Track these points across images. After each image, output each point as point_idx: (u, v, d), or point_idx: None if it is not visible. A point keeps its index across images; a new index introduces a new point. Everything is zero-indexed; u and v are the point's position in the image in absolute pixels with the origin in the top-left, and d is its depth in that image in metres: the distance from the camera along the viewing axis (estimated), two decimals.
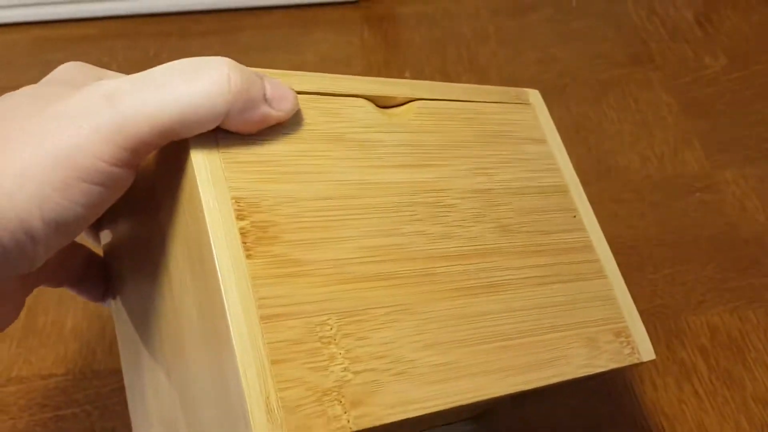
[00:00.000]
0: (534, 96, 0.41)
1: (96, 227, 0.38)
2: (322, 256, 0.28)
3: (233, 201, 0.27)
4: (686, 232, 0.59)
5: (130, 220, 0.35)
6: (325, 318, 0.27)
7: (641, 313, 0.53)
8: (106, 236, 0.38)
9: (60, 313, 0.56)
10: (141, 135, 0.25)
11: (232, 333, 0.25)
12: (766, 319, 0.53)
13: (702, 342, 0.52)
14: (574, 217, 0.38)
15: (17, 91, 0.28)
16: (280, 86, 0.29)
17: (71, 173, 0.25)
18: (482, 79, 0.75)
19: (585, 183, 0.62)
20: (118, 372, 0.52)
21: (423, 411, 0.27)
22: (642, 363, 0.36)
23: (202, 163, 0.27)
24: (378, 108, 0.34)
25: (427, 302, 0.30)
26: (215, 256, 0.26)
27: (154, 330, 0.33)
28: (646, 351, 0.36)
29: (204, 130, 0.27)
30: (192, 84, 0.26)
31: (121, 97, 0.25)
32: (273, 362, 0.25)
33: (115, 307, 0.39)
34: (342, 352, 0.27)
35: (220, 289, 0.25)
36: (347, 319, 0.28)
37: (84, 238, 0.39)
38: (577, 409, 0.49)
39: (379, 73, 0.76)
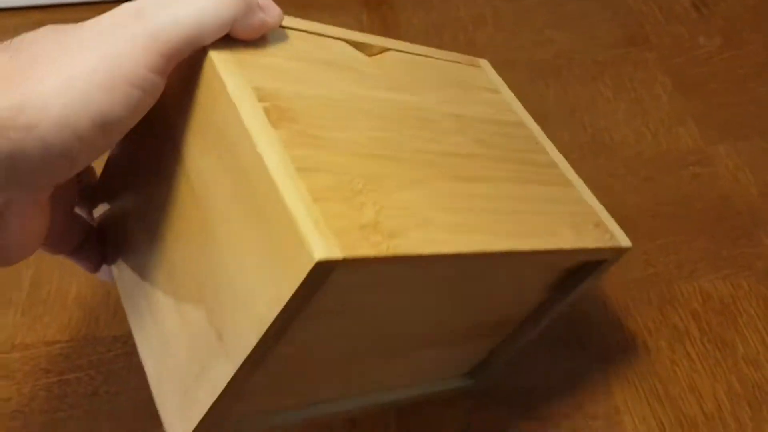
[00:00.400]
0: (484, 63, 0.48)
1: (89, 204, 0.40)
2: (337, 136, 0.32)
3: (253, 90, 0.30)
4: (679, 205, 0.60)
5: (132, 166, 0.36)
6: (351, 177, 0.30)
7: (635, 281, 0.54)
8: (100, 210, 0.40)
9: (64, 282, 0.57)
10: (173, 43, 0.28)
11: (275, 180, 0.28)
12: (758, 286, 0.54)
13: (694, 307, 0.53)
14: (537, 143, 0.43)
15: (37, 30, 0.30)
16: (269, 0, 0.33)
17: (116, 76, 0.27)
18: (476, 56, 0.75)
19: (581, 159, 0.63)
20: (121, 338, 0.53)
21: (449, 249, 0.30)
22: (622, 251, 0.40)
23: (220, 61, 0.31)
24: (359, 51, 0.38)
25: (432, 180, 0.33)
26: (246, 126, 0.29)
27: (164, 247, 0.35)
28: (623, 240, 0.40)
29: (219, 35, 0.30)
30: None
31: (149, 13, 0.28)
32: (315, 200, 0.28)
33: (116, 271, 0.40)
34: (371, 202, 0.30)
35: (256, 150, 0.28)
36: (370, 181, 0.31)
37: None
38: (570, 372, 0.50)
39: None
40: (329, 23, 0.80)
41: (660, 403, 0.48)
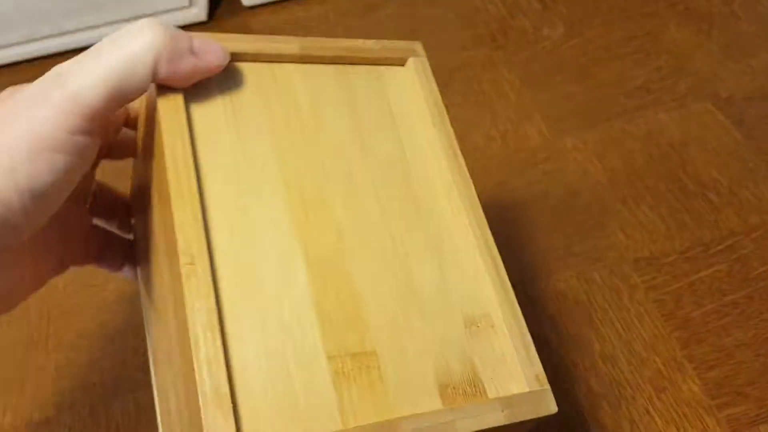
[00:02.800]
0: (417, 53, 0.40)
1: (107, 216, 0.42)
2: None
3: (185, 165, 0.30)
4: (530, 207, 0.60)
5: (142, 198, 0.37)
6: None
7: None
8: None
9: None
10: (92, 102, 0.28)
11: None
12: (610, 277, 0.55)
13: (550, 312, 0.53)
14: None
15: None
16: (208, 42, 0.31)
17: (37, 144, 0.28)
18: None
19: None
20: None
21: None
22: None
23: (163, 108, 0.30)
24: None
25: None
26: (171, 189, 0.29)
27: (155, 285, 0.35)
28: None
29: (145, 86, 0.30)
30: (122, 46, 0.29)
31: (68, 73, 0.28)
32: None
33: (140, 278, 0.41)
34: None
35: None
36: None
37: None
38: None
39: None
40: None
41: None
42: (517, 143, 0.65)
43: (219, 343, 0.28)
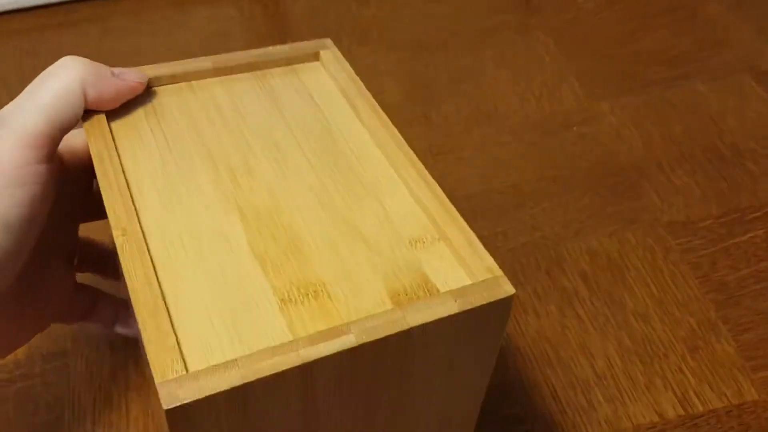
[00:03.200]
0: (328, 47, 0.42)
1: (97, 269, 0.45)
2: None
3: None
4: (564, 166, 0.59)
5: None
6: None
7: (522, 246, 0.53)
8: None
9: None
10: (35, 131, 0.32)
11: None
12: (645, 239, 0.54)
13: (582, 267, 0.52)
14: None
15: None
16: (126, 68, 0.36)
17: None
18: (364, 40, 0.74)
19: (466, 131, 0.62)
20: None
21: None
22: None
23: (90, 134, 0.34)
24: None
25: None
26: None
27: None
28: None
29: (78, 109, 0.33)
30: (52, 82, 0.33)
31: (8, 114, 0.32)
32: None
33: None
34: None
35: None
36: None
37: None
38: None
39: (259, 46, 0.75)
40: (209, 16, 0.78)
41: (552, 369, 0.47)
42: (552, 106, 0.64)
43: (158, 293, 0.29)
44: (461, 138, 0.62)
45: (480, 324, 0.30)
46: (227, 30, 0.76)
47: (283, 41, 0.75)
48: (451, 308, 0.29)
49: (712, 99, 0.64)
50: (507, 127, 0.63)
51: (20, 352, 0.49)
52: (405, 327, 0.28)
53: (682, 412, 0.44)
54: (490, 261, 0.30)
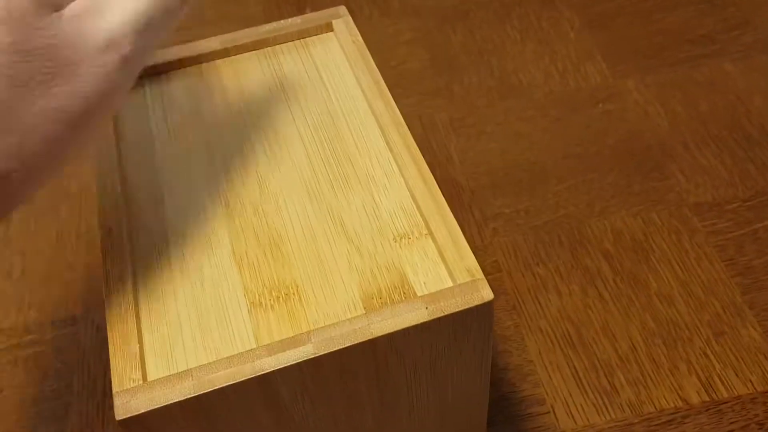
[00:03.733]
0: (342, 15, 0.41)
1: None
2: None
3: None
4: (589, 143, 0.58)
5: None
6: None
7: (545, 224, 0.52)
8: None
9: None
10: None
11: None
12: (670, 219, 0.53)
13: (606, 247, 0.51)
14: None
15: None
16: None
17: None
18: (384, 8, 0.73)
19: (489, 104, 0.61)
20: (6, 330, 0.49)
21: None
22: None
23: None
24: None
25: None
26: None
27: None
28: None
29: None
30: None
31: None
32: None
33: None
34: None
35: None
36: None
37: None
38: None
39: (279, 9, 0.73)
40: None
41: (573, 350, 0.46)
42: (577, 81, 0.63)
43: (130, 298, 0.28)
44: (484, 111, 0.61)
45: (457, 330, 0.28)
46: None
47: (302, 8, 0.73)
48: (420, 316, 0.27)
49: (739, 79, 0.62)
50: (531, 101, 0.62)
51: (30, 319, 0.49)
52: (369, 336, 0.27)
53: (706, 397, 0.44)
54: (472, 261, 0.29)
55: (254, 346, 0.27)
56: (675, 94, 0.62)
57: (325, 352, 0.26)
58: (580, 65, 0.65)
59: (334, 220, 0.31)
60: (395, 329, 0.27)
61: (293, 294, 0.29)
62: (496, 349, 0.47)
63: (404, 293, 0.28)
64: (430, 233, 0.30)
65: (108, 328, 0.28)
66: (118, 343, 0.27)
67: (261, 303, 0.29)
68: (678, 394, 0.44)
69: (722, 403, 0.43)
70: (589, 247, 0.51)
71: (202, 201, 0.32)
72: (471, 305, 0.28)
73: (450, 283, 0.28)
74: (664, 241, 0.51)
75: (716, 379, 0.45)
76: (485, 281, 0.28)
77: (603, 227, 0.52)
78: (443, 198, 0.31)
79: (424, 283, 0.29)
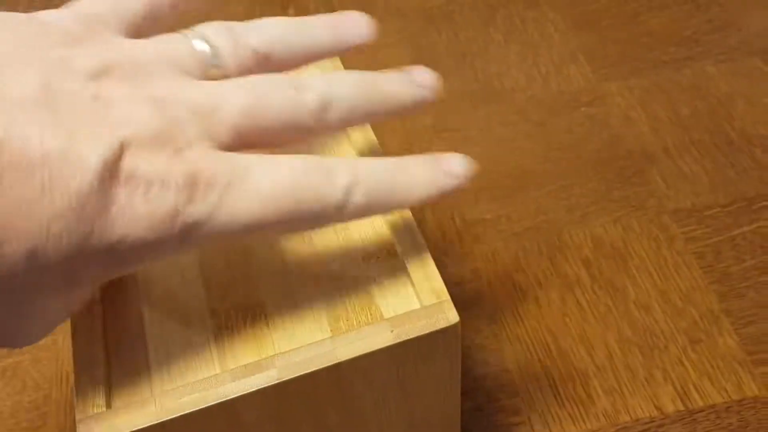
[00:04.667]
0: None
1: None
2: None
3: None
4: (570, 148, 0.58)
5: None
6: None
7: (525, 231, 0.52)
8: None
9: None
10: None
11: None
12: (649, 226, 0.53)
13: (585, 254, 0.52)
14: None
15: None
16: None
17: None
18: (368, 8, 0.72)
19: (472, 108, 0.61)
20: None
21: None
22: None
23: None
24: None
25: None
26: None
27: None
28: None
29: None
30: None
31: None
32: None
33: None
34: None
35: None
36: None
37: None
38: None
39: (261, 11, 0.73)
40: None
41: (551, 359, 0.46)
42: (559, 85, 0.63)
43: (99, 322, 0.28)
44: (467, 116, 0.61)
45: (424, 352, 0.28)
46: None
47: (285, 8, 0.73)
48: (386, 339, 0.27)
49: (721, 82, 0.62)
50: (513, 105, 0.62)
51: None
52: (333, 361, 0.27)
53: (681, 406, 0.44)
54: (439, 283, 0.29)
55: (219, 370, 0.27)
56: (658, 98, 0.62)
57: (290, 377, 0.27)
58: (563, 68, 0.65)
59: (304, 238, 0.32)
60: (360, 353, 0.27)
61: (260, 316, 0.29)
62: (474, 359, 0.47)
63: (371, 315, 0.29)
64: (399, 253, 0.31)
65: (73, 351, 0.28)
66: (85, 369, 0.27)
67: (228, 326, 0.29)
68: (653, 403, 0.44)
69: (697, 412, 0.44)
70: (568, 254, 0.52)
71: None
72: (436, 328, 0.28)
73: (417, 305, 0.29)
74: (642, 249, 0.52)
75: (691, 387, 0.45)
76: (451, 303, 0.28)
77: (583, 234, 0.53)
78: (412, 217, 0.31)
79: (391, 305, 0.29)
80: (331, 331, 0.29)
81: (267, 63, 0.29)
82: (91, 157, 0.21)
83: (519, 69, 0.65)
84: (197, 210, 0.23)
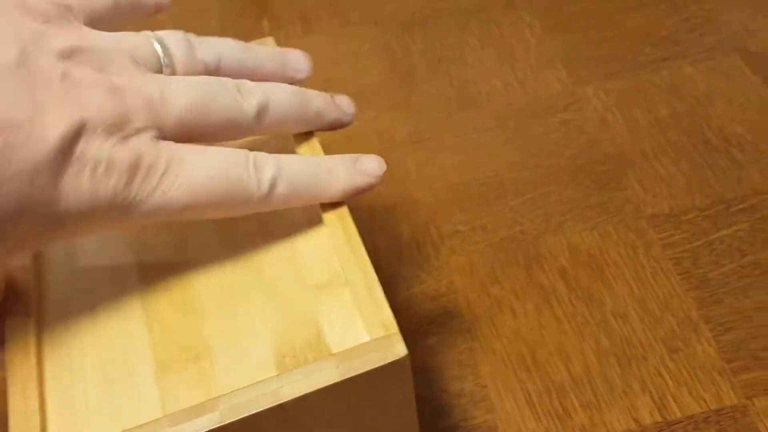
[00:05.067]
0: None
1: None
2: None
3: None
4: (547, 155, 0.58)
5: None
6: None
7: (502, 241, 0.52)
8: None
9: None
10: None
11: None
12: (626, 233, 0.52)
13: (562, 263, 0.51)
14: None
15: None
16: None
17: None
18: (344, 18, 0.72)
19: (447, 116, 0.60)
20: None
21: None
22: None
23: None
24: None
25: None
26: None
27: None
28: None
29: None
30: None
31: None
32: None
33: None
34: None
35: None
36: None
37: None
38: (433, 349, 0.48)
39: (235, 24, 0.73)
40: None
41: (527, 372, 0.46)
42: (536, 90, 0.63)
43: (34, 363, 0.27)
44: (443, 124, 0.61)
45: (373, 387, 0.28)
46: (204, 6, 0.74)
47: (259, 19, 0.73)
48: (330, 376, 0.27)
49: (699, 81, 0.62)
50: (490, 112, 0.61)
51: None
52: (278, 401, 0.26)
53: (659, 418, 0.44)
54: (387, 315, 0.28)
55: (160, 413, 0.27)
56: (635, 100, 0.61)
57: (233, 419, 0.26)
58: (540, 73, 0.64)
59: (251, 270, 0.31)
60: (306, 392, 0.27)
61: (204, 355, 0.29)
62: (450, 375, 0.47)
63: (319, 350, 0.28)
64: (348, 284, 0.30)
65: (8, 388, 0.27)
66: (18, 404, 0.27)
67: (170, 367, 0.28)
68: (631, 414, 0.44)
69: (675, 424, 0.43)
70: (545, 264, 0.51)
71: (113, 253, 0.32)
72: (384, 362, 0.27)
73: (366, 338, 0.28)
74: (620, 256, 0.51)
75: (669, 398, 0.44)
76: (399, 336, 0.28)
77: (559, 243, 0.52)
78: (363, 246, 0.31)
79: (339, 339, 0.29)
80: (277, 368, 0.28)
81: (215, 74, 0.32)
82: (53, 132, 0.24)
83: (495, 74, 0.65)
84: (135, 192, 0.26)
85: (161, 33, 0.31)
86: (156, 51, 0.30)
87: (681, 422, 0.44)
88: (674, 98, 0.62)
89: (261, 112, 0.30)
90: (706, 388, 0.45)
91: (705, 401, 0.44)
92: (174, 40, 0.31)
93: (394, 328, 0.28)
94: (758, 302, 0.48)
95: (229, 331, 0.29)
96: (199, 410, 0.27)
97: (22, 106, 0.23)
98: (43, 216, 0.25)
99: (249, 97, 0.30)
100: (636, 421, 0.44)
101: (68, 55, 0.26)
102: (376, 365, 0.27)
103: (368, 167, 0.32)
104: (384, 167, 0.33)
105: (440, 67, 0.66)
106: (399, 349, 0.28)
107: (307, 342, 0.29)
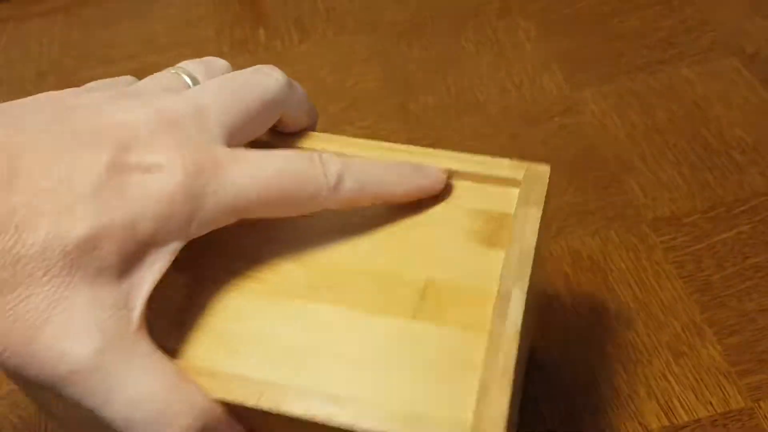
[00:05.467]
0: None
1: None
2: None
3: None
4: (546, 160, 0.58)
5: None
6: None
7: None
8: None
9: None
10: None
11: None
12: (628, 236, 0.52)
13: (564, 269, 0.51)
14: None
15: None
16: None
17: None
18: (339, 25, 0.72)
19: (445, 124, 0.60)
20: None
21: None
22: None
23: None
24: None
25: None
26: None
27: None
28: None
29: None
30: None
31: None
32: None
33: None
34: None
35: None
36: None
37: None
38: None
39: (231, 33, 0.72)
40: (177, 2, 0.75)
41: (533, 379, 0.46)
42: (533, 95, 0.62)
43: None
44: (441, 131, 0.61)
45: None
46: (196, 17, 0.74)
47: (255, 28, 0.72)
48: None
49: (697, 84, 0.62)
50: (487, 118, 0.61)
51: None
52: None
53: (666, 422, 0.43)
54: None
55: None
56: (632, 104, 0.61)
57: None
58: (537, 78, 0.64)
59: None
60: None
61: None
62: None
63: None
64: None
65: None
66: None
67: None
68: (638, 420, 0.44)
69: (682, 428, 0.43)
70: (547, 269, 0.51)
71: None
72: None
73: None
74: (622, 260, 0.51)
75: (676, 402, 0.44)
76: None
77: (561, 248, 0.52)
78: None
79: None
80: None
81: None
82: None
83: (492, 80, 0.64)
84: (201, 191, 0.27)
85: (183, 65, 0.34)
86: (184, 81, 0.33)
87: (688, 426, 0.43)
88: (672, 101, 0.61)
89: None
90: (712, 392, 0.44)
91: (712, 405, 0.44)
92: (194, 66, 0.34)
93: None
94: (761, 304, 0.48)
95: None
96: None
97: None
98: (120, 228, 0.26)
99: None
100: (643, 426, 0.43)
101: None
102: None
103: (432, 171, 0.33)
104: (445, 177, 0.34)
105: (437, 73, 0.66)
106: None
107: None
